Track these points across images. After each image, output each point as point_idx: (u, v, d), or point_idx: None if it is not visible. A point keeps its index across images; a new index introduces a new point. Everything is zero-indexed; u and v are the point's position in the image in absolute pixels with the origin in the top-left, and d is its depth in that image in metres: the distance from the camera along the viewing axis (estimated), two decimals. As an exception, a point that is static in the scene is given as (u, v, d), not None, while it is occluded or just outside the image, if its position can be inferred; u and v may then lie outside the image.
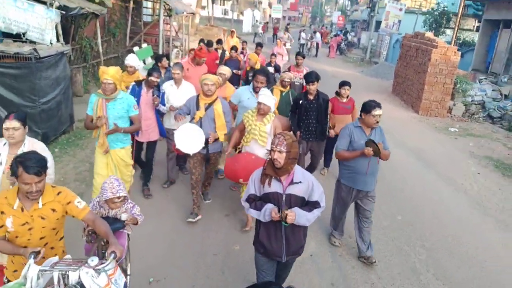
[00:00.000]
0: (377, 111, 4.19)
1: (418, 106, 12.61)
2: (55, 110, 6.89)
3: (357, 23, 42.44)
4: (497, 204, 6.58)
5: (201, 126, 4.82)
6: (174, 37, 17.89)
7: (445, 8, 23.68)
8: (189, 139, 4.75)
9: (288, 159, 2.96)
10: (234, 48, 9.75)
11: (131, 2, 14.89)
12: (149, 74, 5.34)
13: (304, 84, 6.52)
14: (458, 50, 12.39)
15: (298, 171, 3.12)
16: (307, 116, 5.82)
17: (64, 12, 7.23)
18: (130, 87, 5.48)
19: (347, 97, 6.33)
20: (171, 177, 6.16)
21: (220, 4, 44.98)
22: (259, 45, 10.78)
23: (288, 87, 6.39)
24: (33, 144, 3.36)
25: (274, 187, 3.06)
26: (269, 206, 3.04)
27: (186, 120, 5.05)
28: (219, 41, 11.25)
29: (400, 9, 21.20)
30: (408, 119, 11.94)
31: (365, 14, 34.46)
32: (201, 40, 11.42)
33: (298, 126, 5.88)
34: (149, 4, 18.02)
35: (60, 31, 7.36)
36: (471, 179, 7.54)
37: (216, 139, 4.92)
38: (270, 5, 52.07)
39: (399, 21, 21.31)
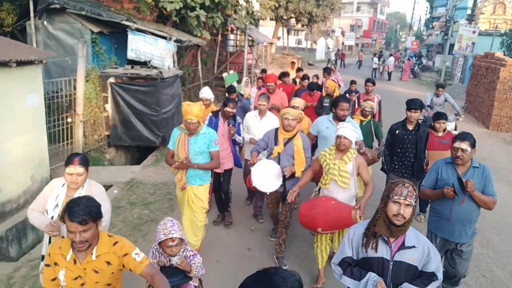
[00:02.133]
0: (457, 143, 3.55)
1: (488, 121, 13.07)
2: (171, 119, 8.80)
3: (432, 47, 42.18)
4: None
5: (278, 163, 4.49)
6: (255, 65, 19.93)
7: (525, 28, 23.34)
8: (266, 176, 4.42)
9: (412, 216, 2.43)
10: (306, 77, 9.20)
11: (219, 36, 17.11)
12: (225, 104, 5.26)
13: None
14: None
15: (411, 232, 2.52)
16: (403, 148, 5.20)
17: (179, 44, 9.24)
18: (207, 118, 5.34)
19: (444, 131, 5.58)
20: (257, 206, 5.89)
21: (294, 35, 47.26)
22: (326, 71, 10.13)
23: (369, 116, 5.96)
24: (91, 187, 3.12)
25: (380, 251, 2.48)
26: (372, 278, 2.47)
27: (263, 156, 4.87)
28: (285, 74, 9.51)
29: (474, 32, 21.43)
30: (478, 134, 12.44)
31: (439, 38, 34.46)
32: (263, 70, 11.44)
33: (391, 160, 5.37)
34: (232, 36, 20.28)
35: (175, 59, 9.37)
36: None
37: (293, 175, 4.49)
38: (343, 33, 53.41)
39: (473, 43, 21.49)
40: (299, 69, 10.94)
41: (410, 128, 5.18)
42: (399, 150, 5.23)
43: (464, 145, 3.50)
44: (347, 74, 27.01)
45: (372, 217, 2.55)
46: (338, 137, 3.94)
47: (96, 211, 2.35)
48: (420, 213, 6.26)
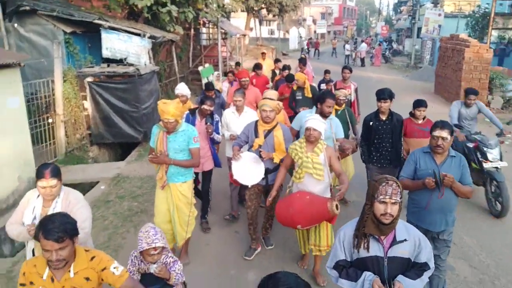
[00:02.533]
0: (437, 132, 3.52)
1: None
2: (151, 115, 8.94)
3: (401, 31, 43.08)
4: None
5: (260, 155, 4.46)
6: (230, 57, 20.09)
7: (486, 10, 24.18)
8: (247, 169, 4.41)
9: (399, 211, 2.40)
10: (287, 67, 9.20)
11: (192, 30, 17.17)
12: (202, 102, 5.15)
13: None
14: (490, 47, 13.38)
15: (401, 225, 2.51)
16: (380, 139, 5.20)
17: (154, 40, 9.35)
18: (184, 116, 5.10)
19: (424, 118, 5.42)
20: (234, 209, 5.72)
21: (266, 25, 47.43)
22: (301, 61, 9.87)
23: (344, 105, 5.93)
24: (68, 195, 3.03)
25: (373, 249, 2.47)
26: (368, 277, 2.45)
27: (244, 149, 4.74)
28: (257, 66, 9.44)
29: (439, 15, 22.10)
30: (447, 113, 12.99)
31: (408, 22, 35.26)
32: (237, 63, 11.21)
33: (369, 150, 5.35)
34: (204, 30, 20.36)
35: (151, 55, 9.48)
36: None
37: (275, 168, 4.51)
38: (314, 21, 53.89)
39: (439, 26, 22.17)
40: (277, 60, 10.75)
41: (384, 118, 5.17)
42: (375, 141, 5.22)
43: (445, 133, 3.48)
44: (322, 62, 27.48)
45: (359, 217, 2.53)
46: (307, 129, 3.92)
47: (72, 228, 2.28)
48: None
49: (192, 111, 5.33)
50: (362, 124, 5.43)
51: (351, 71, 7.85)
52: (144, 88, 8.68)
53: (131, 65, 8.99)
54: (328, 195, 4.03)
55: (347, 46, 28.93)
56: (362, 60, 28.02)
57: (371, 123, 5.21)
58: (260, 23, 34.51)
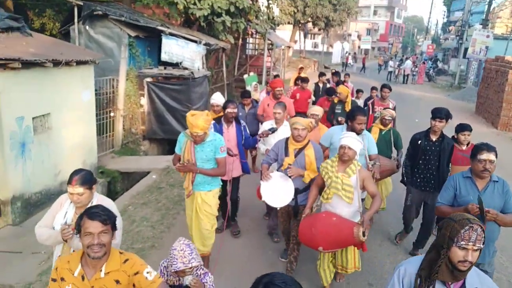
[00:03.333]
0: (484, 155, 3.31)
1: (497, 122, 13.68)
2: (200, 115, 9.72)
3: (448, 51, 42.46)
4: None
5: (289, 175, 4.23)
6: (273, 68, 20.81)
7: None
8: (277, 190, 4.21)
9: (478, 257, 2.11)
10: (341, 81, 9.01)
11: (240, 40, 18.03)
12: (224, 107, 5.17)
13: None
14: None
15: (472, 272, 2.20)
16: (426, 160, 4.87)
17: (208, 47, 10.18)
18: (211, 126, 4.92)
19: (468, 144, 5.10)
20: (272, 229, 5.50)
21: (311, 38, 48.02)
22: (335, 74, 10.11)
23: (390, 125, 5.77)
24: (101, 203, 2.80)
25: None
26: None
27: (273, 168, 4.57)
28: (302, 79, 9.30)
29: (487, 36, 21.92)
30: (486, 133, 13.06)
31: (455, 42, 34.83)
32: (276, 76, 11.22)
33: (412, 172, 5.03)
34: (251, 40, 21.21)
35: (204, 61, 10.30)
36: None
37: (305, 188, 4.30)
38: (359, 37, 53.95)
39: (486, 47, 21.98)
40: (322, 74, 10.62)
41: (434, 139, 4.83)
42: (420, 161, 4.90)
43: (492, 156, 3.30)
44: (366, 78, 27.72)
45: (427, 258, 2.22)
46: (341, 147, 3.74)
47: (114, 218, 2.34)
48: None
49: (218, 119, 5.26)
50: (409, 142, 5.13)
51: (390, 89, 7.63)
52: (196, 90, 9.48)
53: (186, 69, 9.82)
54: (357, 220, 3.81)
55: (391, 63, 29.06)
56: (406, 77, 28.02)
57: (419, 141, 4.88)
58: (305, 36, 35.16)
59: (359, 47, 54.21)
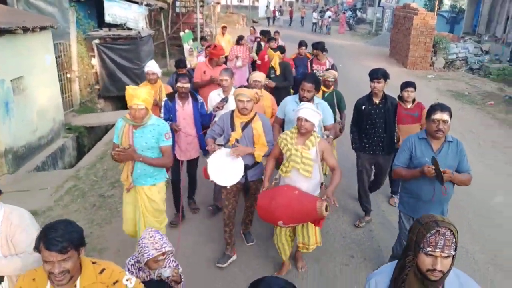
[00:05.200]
0: (438, 115, 3.28)
1: (406, 62, 15.90)
2: (149, 72, 10.62)
3: (366, 0, 45.02)
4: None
5: None
6: (206, 24, 21.51)
7: (441, -19, 26.46)
8: (224, 167, 3.92)
9: (452, 263, 1.85)
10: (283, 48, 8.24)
11: (171, -1, 18.45)
12: (176, 80, 4.73)
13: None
14: (437, 14, 15.60)
15: (452, 278, 1.92)
16: (372, 124, 4.75)
17: (150, 7, 10.90)
18: (163, 104, 4.83)
19: (413, 101, 5.11)
20: (217, 199, 5.12)
21: (236, -7, 48.22)
22: (264, 34, 9.47)
23: (332, 87, 5.62)
24: (9, 215, 2.45)
25: None
26: None
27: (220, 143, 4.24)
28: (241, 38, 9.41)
29: (397, -15, 24.17)
30: (397, 72, 15.21)
31: (371, -9, 37.21)
32: (202, 38, 11.32)
33: (360, 137, 4.90)
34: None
35: (147, 21, 11.03)
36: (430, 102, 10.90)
37: (255, 163, 4.08)
38: (283, -11, 54.92)
39: (397, -4, 24.31)
40: (264, 32, 9.86)
41: (377, 101, 4.72)
42: (367, 126, 4.77)
43: (446, 116, 3.27)
44: (292, 30, 29.20)
45: (396, 265, 2.00)
46: (298, 119, 3.57)
47: (78, 237, 2.01)
48: (393, 195, 5.70)
49: (171, 97, 4.81)
50: (353, 109, 4.95)
51: (323, 50, 7.38)
52: (143, 48, 10.32)
53: (130, 29, 10.55)
54: (317, 193, 3.74)
55: (314, 14, 30.72)
56: (328, 27, 29.92)
57: (363, 107, 4.76)
58: (231, -9, 35.55)
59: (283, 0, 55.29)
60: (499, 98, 11.18)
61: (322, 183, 3.77)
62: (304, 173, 3.60)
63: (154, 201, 3.82)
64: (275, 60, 6.84)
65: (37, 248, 1.97)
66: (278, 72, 6.77)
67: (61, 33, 9.39)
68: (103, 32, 10.18)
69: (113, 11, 10.41)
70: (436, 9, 17.49)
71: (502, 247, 4.67)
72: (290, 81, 6.81)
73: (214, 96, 5.00)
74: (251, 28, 11.84)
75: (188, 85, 4.66)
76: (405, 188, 3.73)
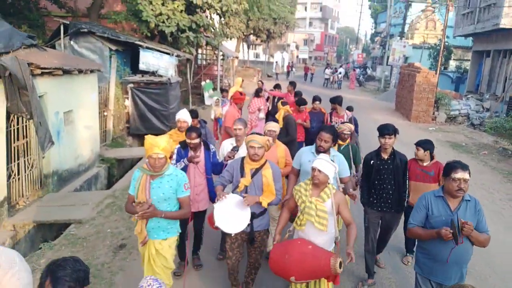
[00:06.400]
0: (459, 174, 3.19)
1: (410, 116, 17.03)
2: (174, 114, 11.82)
3: (376, 59, 47.31)
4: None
5: None
6: (225, 76, 23.25)
7: (446, 43, 28.25)
8: (231, 214, 3.84)
9: None
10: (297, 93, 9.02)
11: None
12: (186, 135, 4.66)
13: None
14: (442, 74, 16.90)
15: None
16: (381, 180, 4.68)
17: (179, 58, 12.34)
18: (175, 151, 4.71)
19: (432, 159, 5.02)
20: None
21: (253, 49, 51.14)
22: (292, 84, 9.95)
23: (348, 140, 5.57)
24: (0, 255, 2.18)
25: None
26: None
27: (228, 190, 4.20)
28: (259, 91, 9.72)
29: (404, 46, 25.92)
30: (402, 124, 16.28)
31: (380, 51, 39.37)
32: (222, 90, 11.55)
33: (369, 192, 4.81)
34: (200, 50, 23.44)
35: (176, 69, 12.44)
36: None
37: (262, 213, 4.02)
38: (297, 47, 57.93)
39: (404, 56, 25.96)
40: (277, 86, 10.21)
41: (386, 157, 4.67)
42: (376, 182, 4.70)
43: (467, 175, 3.19)
44: (306, 85, 30.92)
45: None
46: (312, 169, 3.53)
47: (84, 277, 2.03)
48: (407, 254, 5.53)
49: (183, 144, 4.73)
50: (362, 163, 4.98)
51: (340, 103, 7.76)
52: (172, 93, 11.62)
53: (161, 76, 11.92)
54: (332, 248, 3.66)
55: (327, 71, 32.60)
56: (339, 83, 31.62)
57: (371, 162, 4.72)
58: (248, 47, 37.98)
59: (297, 56, 58.19)
60: (493, 149, 12.13)
61: (337, 238, 3.64)
62: (319, 226, 3.50)
63: (164, 257, 3.73)
64: (280, 113, 7.01)
65: (42, 286, 1.97)
66: (280, 125, 6.60)
67: (100, 77, 10.78)
68: (137, 77, 11.56)
69: (147, 60, 11.84)
70: (438, 68, 18.82)
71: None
72: (292, 135, 6.79)
73: (226, 145, 5.04)
74: (259, 82, 12.36)
75: (196, 140, 4.56)
76: (421, 248, 3.55)
